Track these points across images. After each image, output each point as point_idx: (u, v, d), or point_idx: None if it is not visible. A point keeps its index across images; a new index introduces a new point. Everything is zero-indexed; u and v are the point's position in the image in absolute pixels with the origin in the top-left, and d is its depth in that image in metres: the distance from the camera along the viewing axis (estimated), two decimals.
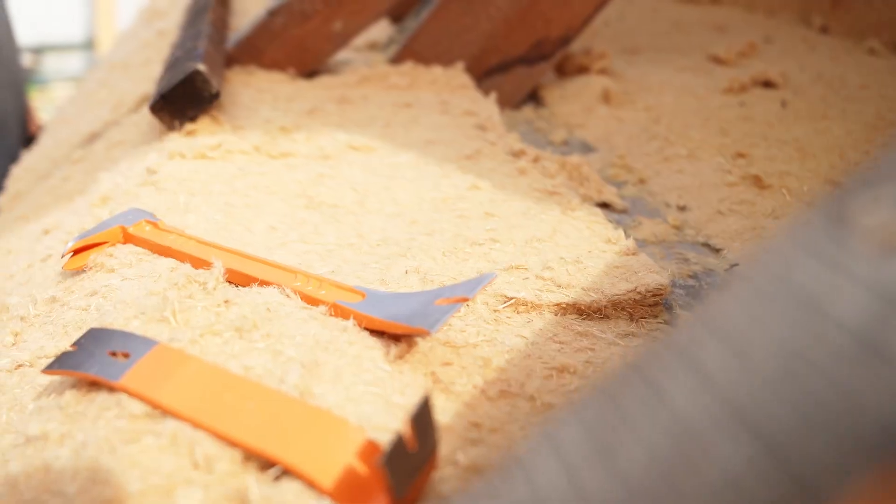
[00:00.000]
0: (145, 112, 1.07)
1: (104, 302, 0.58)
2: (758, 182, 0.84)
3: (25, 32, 5.44)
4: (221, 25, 1.18)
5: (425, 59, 1.10)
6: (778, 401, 0.22)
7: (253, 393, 0.43)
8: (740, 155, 0.92)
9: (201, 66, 0.86)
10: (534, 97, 1.18)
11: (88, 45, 5.88)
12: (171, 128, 0.88)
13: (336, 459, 0.39)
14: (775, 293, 0.25)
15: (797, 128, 1.00)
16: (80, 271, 0.65)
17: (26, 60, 5.38)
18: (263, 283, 0.56)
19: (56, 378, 0.50)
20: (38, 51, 5.45)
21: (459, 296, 0.49)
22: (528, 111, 1.14)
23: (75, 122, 1.42)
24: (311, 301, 0.54)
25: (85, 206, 0.82)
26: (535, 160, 0.86)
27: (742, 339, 0.25)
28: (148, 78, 1.27)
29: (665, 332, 0.60)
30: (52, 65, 5.54)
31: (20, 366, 0.56)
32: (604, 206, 0.84)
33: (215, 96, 0.87)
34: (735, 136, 0.98)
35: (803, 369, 0.23)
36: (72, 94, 1.77)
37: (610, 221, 0.74)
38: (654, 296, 0.61)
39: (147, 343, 0.47)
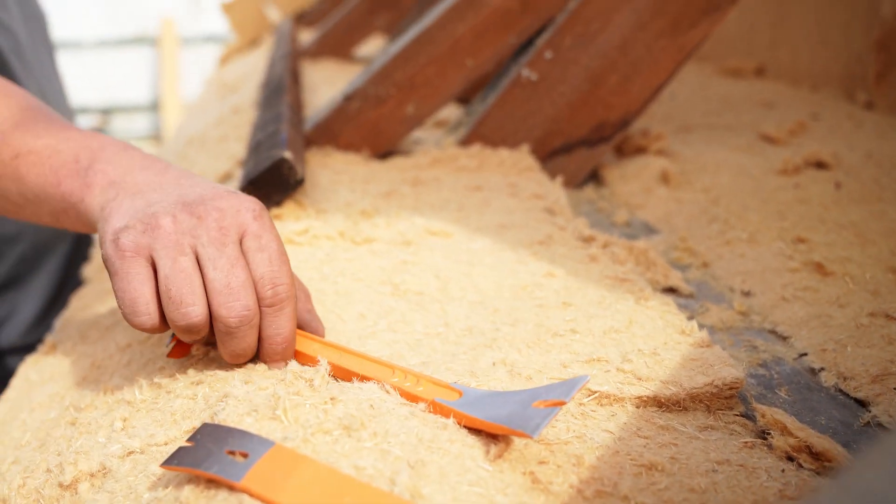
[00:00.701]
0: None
1: (211, 392, 0.59)
2: (820, 269, 0.84)
3: (94, 95, 5.59)
4: (298, 107, 1.21)
5: (492, 141, 1.12)
6: None
7: (368, 496, 0.44)
8: (800, 240, 0.92)
9: (287, 154, 0.89)
10: (594, 176, 1.20)
11: (154, 107, 6.03)
12: None
13: None
14: None
15: (853, 211, 1.00)
16: (185, 359, 0.67)
17: (95, 121, 5.51)
18: (363, 378, 0.57)
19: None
20: (107, 112, 5.59)
21: (556, 399, 0.50)
22: (589, 191, 1.15)
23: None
24: (410, 397, 0.55)
25: None
26: (605, 246, 0.86)
27: None
28: (226, 155, 1.30)
29: (742, 425, 0.60)
30: (119, 125, 5.67)
31: (131, 452, 0.57)
32: (670, 290, 0.84)
33: (300, 182, 0.89)
34: (793, 220, 0.98)
35: None
36: None
37: (679, 307, 0.75)
38: (730, 389, 0.61)
39: (264, 443, 0.48)
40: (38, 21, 1.48)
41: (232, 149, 1.31)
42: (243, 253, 0.61)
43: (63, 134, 0.73)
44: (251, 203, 0.63)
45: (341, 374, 0.59)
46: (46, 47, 1.48)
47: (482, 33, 1.11)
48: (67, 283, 1.48)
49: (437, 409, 0.54)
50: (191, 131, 1.82)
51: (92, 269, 1.28)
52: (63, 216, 0.72)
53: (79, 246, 1.53)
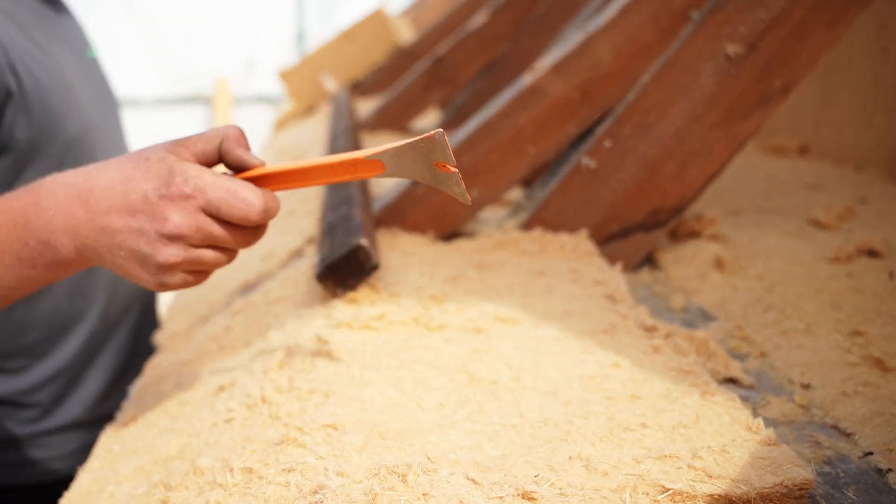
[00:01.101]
0: (300, 268, 1.12)
1: (304, 481, 0.61)
2: (879, 364, 0.85)
3: None
4: (365, 188, 1.24)
5: (553, 225, 1.14)
6: None
7: None
8: (857, 333, 0.92)
9: (363, 242, 0.91)
10: (648, 258, 1.21)
11: (207, 99, 6.18)
12: (334, 295, 0.93)
13: None
14: None
15: None
16: (274, 443, 0.69)
17: None
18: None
19: None
20: None
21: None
22: (645, 274, 1.17)
23: None
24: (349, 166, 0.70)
25: (260, 368, 0.86)
26: (667, 336, 0.88)
27: None
28: (296, 230, 1.34)
29: None
30: None
31: None
32: (731, 380, 0.85)
33: (375, 268, 0.92)
34: (848, 311, 0.99)
35: None
36: None
37: (741, 399, 0.76)
38: (800, 489, 0.62)
39: None
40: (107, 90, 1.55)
41: (300, 224, 1.35)
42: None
43: None
44: None
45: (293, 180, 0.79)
46: (115, 115, 1.55)
47: (544, 123, 1.14)
48: (137, 352, 1.50)
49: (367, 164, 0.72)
50: None
51: (164, 336, 1.31)
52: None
53: (147, 316, 1.57)
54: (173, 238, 0.77)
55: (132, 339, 1.53)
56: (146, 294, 1.56)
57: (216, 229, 0.77)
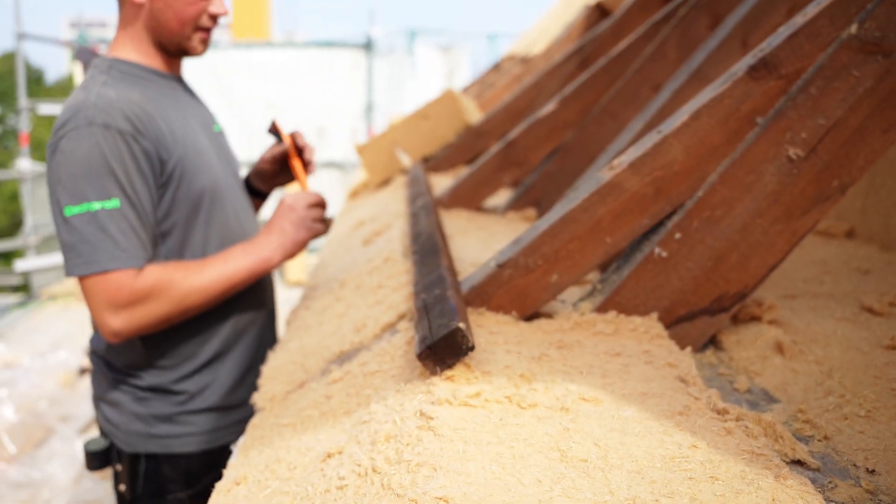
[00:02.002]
0: (394, 342, 1.18)
1: None
2: None
3: None
4: (453, 269, 1.29)
5: (625, 309, 1.18)
6: None
7: None
8: None
9: (461, 325, 0.96)
10: (712, 339, 1.24)
11: None
12: (433, 373, 0.97)
13: None
14: None
15: None
16: None
17: None
18: None
19: None
20: None
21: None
22: (710, 355, 1.20)
23: (317, 330, 1.54)
24: None
25: (367, 438, 0.90)
26: (738, 419, 0.91)
27: None
28: (386, 303, 1.39)
29: None
30: None
31: None
32: (798, 462, 0.88)
33: (471, 349, 0.97)
34: None
35: None
36: (305, 299, 1.91)
37: (811, 483, 0.78)
38: None
39: None
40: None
41: (390, 298, 1.40)
42: None
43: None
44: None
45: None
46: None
47: (620, 215, 1.19)
48: (258, 356, 1.88)
49: None
50: (338, 270, 1.93)
51: (262, 399, 1.37)
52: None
53: (267, 328, 2.00)
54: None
55: (255, 346, 1.93)
56: (266, 312, 1.99)
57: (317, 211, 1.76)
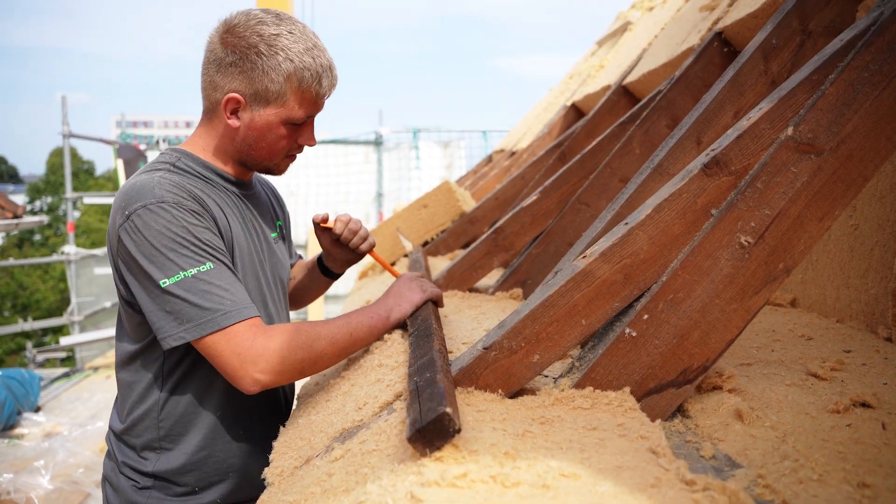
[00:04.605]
0: (391, 421, 1.14)
1: None
2: None
3: None
4: (444, 349, 1.26)
5: (601, 384, 1.15)
6: None
7: None
8: (864, 485, 0.91)
9: (448, 410, 0.92)
10: (679, 408, 1.21)
11: (303, 246, 6.35)
12: (422, 454, 0.93)
13: None
14: None
15: None
16: None
17: None
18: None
19: None
20: None
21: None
22: (677, 423, 1.16)
23: (324, 406, 1.50)
24: None
25: None
26: (704, 489, 0.87)
27: None
28: (384, 383, 1.35)
29: None
30: None
31: None
32: None
33: (458, 431, 0.93)
34: (853, 461, 0.97)
35: None
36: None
37: None
38: None
39: None
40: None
41: (388, 377, 1.37)
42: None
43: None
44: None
45: None
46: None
47: (593, 299, 1.17)
48: (262, 460, 1.63)
49: None
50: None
51: (272, 474, 1.30)
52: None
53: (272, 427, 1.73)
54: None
55: (257, 445, 1.68)
56: (265, 407, 1.74)
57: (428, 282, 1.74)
